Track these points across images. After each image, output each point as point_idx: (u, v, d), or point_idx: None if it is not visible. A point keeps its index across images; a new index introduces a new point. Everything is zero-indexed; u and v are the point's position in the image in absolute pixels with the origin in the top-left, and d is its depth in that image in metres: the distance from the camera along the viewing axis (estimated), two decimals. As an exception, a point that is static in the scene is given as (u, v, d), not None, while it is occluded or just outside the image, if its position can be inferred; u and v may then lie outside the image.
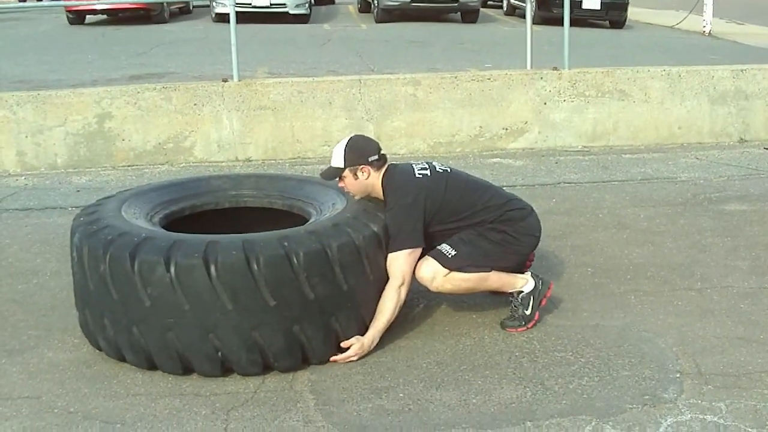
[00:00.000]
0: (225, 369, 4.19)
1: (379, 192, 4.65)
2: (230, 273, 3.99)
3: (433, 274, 4.55)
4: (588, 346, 4.48)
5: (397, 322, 4.67)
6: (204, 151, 8.92)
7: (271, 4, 20.67)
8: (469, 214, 4.65)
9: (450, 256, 4.57)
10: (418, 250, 4.53)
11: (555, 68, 9.49)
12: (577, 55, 10.28)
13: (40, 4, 30.82)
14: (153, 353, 4.20)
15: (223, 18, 19.74)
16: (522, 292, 4.71)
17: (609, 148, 9.32)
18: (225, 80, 9.04)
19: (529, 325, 4.69)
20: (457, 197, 4.64)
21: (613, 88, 9.44)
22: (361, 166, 4.58)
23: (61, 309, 5.05)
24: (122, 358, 4.32)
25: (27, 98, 8.70)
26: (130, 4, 21.06)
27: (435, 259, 4.57)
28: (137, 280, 4.05)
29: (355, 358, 4.34)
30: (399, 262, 4.46)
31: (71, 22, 22.52)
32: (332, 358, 4.32)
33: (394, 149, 8.85)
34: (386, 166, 4.68)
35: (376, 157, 4.62)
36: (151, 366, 4.24)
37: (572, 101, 9.37)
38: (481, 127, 9.26)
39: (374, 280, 4.40)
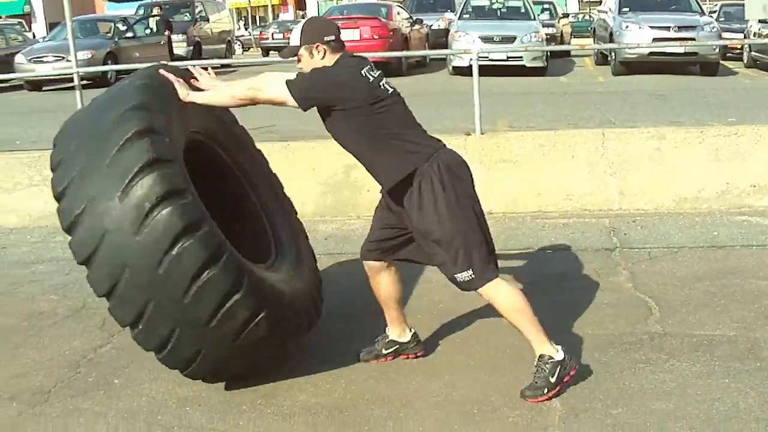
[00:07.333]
0: None
1: None
2: None
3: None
4: None
5: (646, 381, 4.63)
6: (445, 203, 9.01)
7: (507, 57, 20.80)
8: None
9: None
10: (287, 93, 4.48)
11: (807, 123, 9.10)
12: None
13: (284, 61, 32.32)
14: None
15: (460, 71, 20.03)
16: (552, 358, 4.58)
17: None
18: (468, 134, 9.18)
19: (551, 394, 4.53)
20: (390, 118, 4.88)
21: None
22: (316, 45, 4.63)
23: (313, 351, 5.25)
24: None
25: (279, 148, 9.11)
26: (370, 58, 21.70)
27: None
28: None
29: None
30: (267, 79, 4.55)
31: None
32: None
33: (638, 204, 8.74)
34: (342, 52, 4.71)
35: (333, 38, 4.66)
36: None
37: (825, 158, 8.91)
38: (728, 183, 8.93)
39: None
